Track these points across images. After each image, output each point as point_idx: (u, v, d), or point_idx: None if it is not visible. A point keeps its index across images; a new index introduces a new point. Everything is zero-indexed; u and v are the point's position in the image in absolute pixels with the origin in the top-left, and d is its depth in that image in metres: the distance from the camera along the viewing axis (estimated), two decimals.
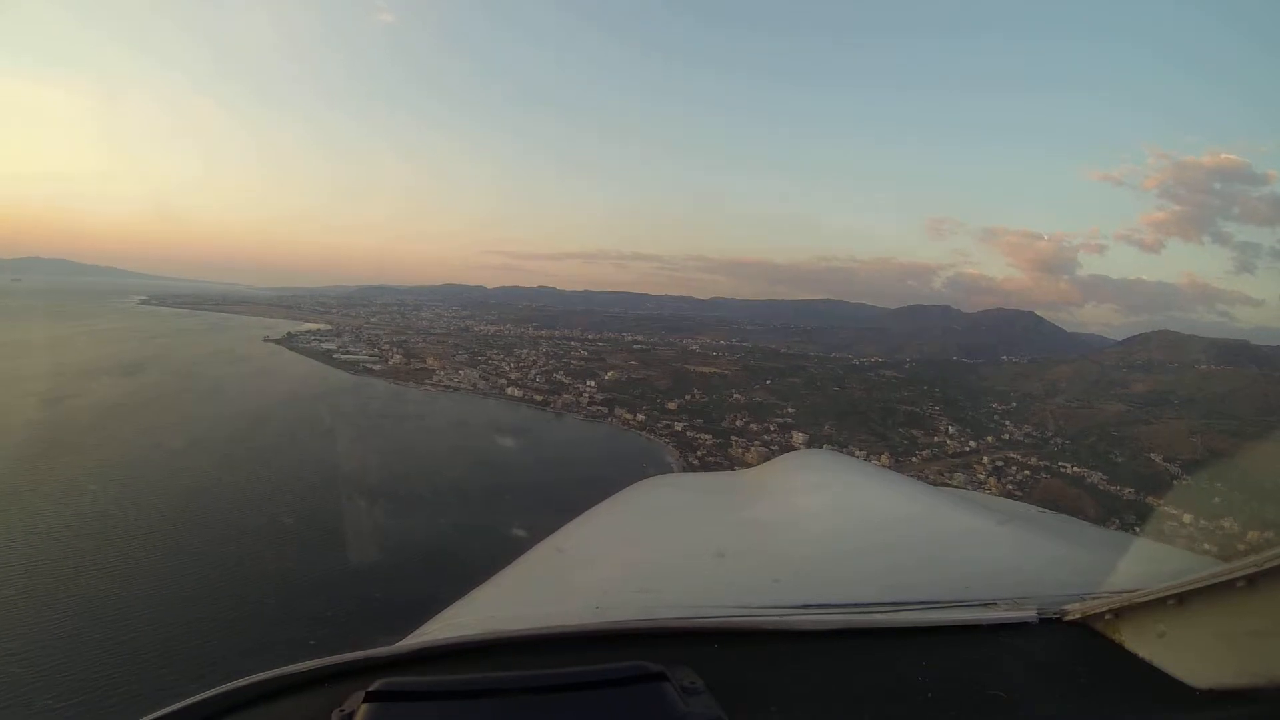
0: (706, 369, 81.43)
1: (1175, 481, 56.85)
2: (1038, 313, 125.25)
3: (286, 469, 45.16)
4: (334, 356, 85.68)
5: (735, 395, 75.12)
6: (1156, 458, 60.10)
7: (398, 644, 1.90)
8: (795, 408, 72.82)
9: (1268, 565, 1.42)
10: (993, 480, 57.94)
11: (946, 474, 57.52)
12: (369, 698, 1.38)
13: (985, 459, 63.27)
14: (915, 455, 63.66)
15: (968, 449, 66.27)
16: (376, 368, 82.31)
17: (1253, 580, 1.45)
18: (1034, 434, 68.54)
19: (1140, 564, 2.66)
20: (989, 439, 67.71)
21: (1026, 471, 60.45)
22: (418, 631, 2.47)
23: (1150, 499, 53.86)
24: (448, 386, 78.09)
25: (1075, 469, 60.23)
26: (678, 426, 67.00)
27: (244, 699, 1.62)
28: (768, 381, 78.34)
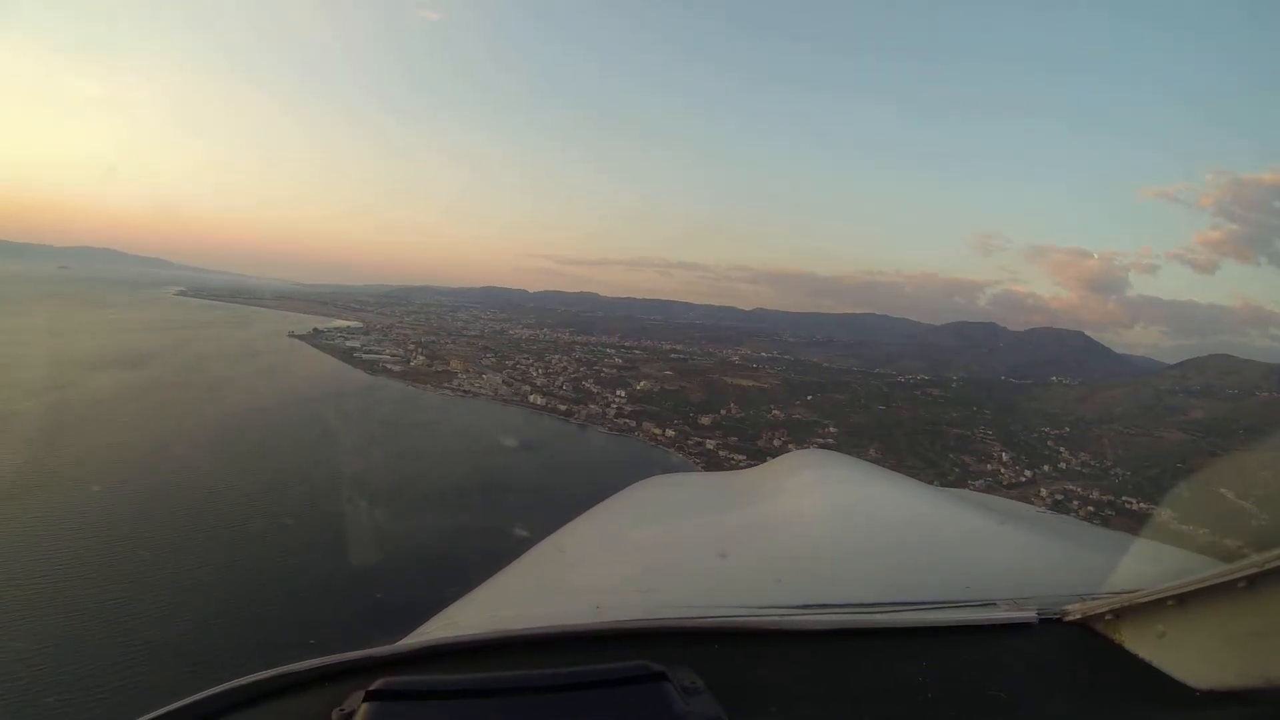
0: (745, 382, 76.11)
1: (1253, 521, 49.46)
2: (1087, 333, 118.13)
3: (244, 483, 40.69)
4: (354, 355, 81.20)
5: (774, 411, 69.48)
6: (1228, 494, 52.83)
7: (398, 643, 1.89)
8: (837, 427, 67.32)
9: (1268, 566, 1.44)
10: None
11: None
12: (369, 697, 1.38)
13: (1044, 491, 56.83)
14: (968, 485, 56.47)
15: (1023, 479, 59.80)
16: (395, 368, 77.45)
17: (1253, 581, 1.47)
18: (1092, 463, 62.07)
19: (1140, 564, 2.58)
20: (1045, 468, 61.48)
21: (1090, 507, 53.99)
22: (418, 631, 2.42)
23: (1228, 541, 46.35)
24: (467, 391, 72.93)
25: (1141, 505, 53.60)
26: (710, 444, 61.17)
27: (244, 698, 1.61)
28: (809, 397, 72.78)
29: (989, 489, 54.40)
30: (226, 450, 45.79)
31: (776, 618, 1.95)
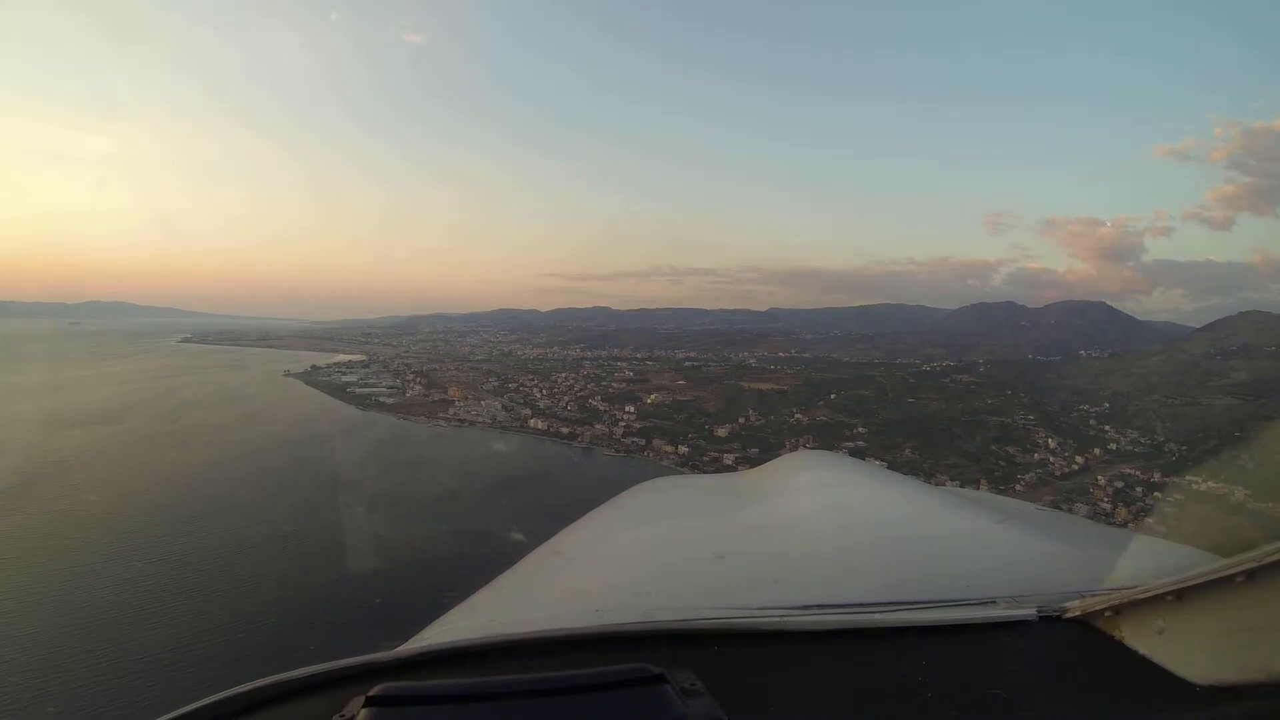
0: (763, 385, 69.80)
1: None
2: (1107, 303, 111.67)
3: (166, 571, 34.49)
4: (348, 390, 76.04)
5: (796, 415, 63.31)
6: None
7: (398, 649, 1.86)
8: (867, 426, 60.93)
9: (1267, 560, 1.39)
10: (1122, 509, 45.47)
11: (1064, 504, 43.92)
12: (369, 702, 1.36)
13: (1100, 478, 50.66)
14: (1019, 480, 51.33)
15: (1075, 466, 53.28)
16: (390, 401, 72.12)
17: (1252, 575, 1.42)
18: (1143, 440, 55.90)
19: (1140, 560, 2.50)
20: (1096, 451, 54.91)
21: (1157, 493, 47.43)
22: (418, 636, 2.35)
23: None
24: (463, 420, 67.18)
25: (1209, 484, 45.45)
26: (728, 459, 54.31)
27: (244, 705, 1.58)
28: (832, 396, 66.50)
29: (1041, 482, 50.97)
30: (164, 523, 39.70)
31: (775, 619, 1.92)
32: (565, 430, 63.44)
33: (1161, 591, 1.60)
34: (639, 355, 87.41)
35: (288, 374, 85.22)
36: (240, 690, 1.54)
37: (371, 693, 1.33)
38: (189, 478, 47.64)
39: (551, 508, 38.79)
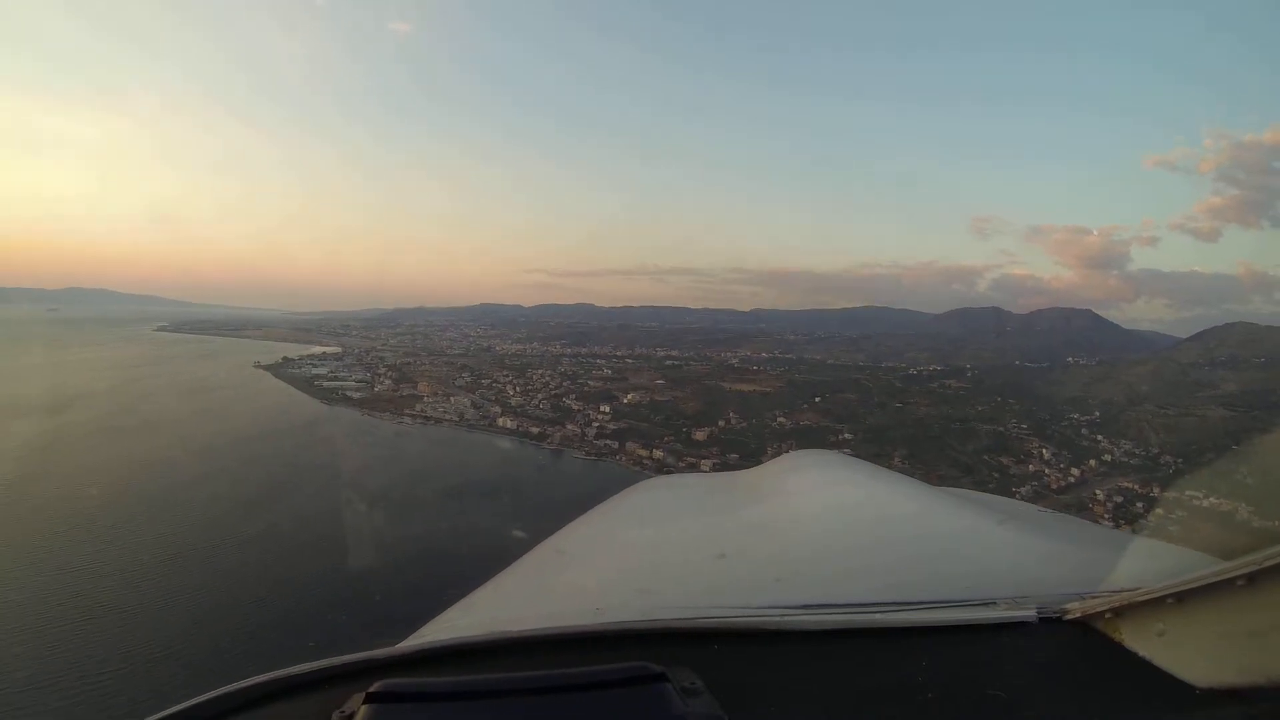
0: (745, 386, 66.64)
1: None
2: (1093, 310, 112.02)
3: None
4: (316, 384, 72.42)
5: (779, 419, 60.22)
6: None
7: (397, 645, 1.86)
8: (853, 432, 58.22)
9: (1268, 563, 1.38)
10: (1125, 526, 41.35)
11: None
12: (369, 699, 1.37)
13: (1099, 492, 48.45)
14: (1014, 494, 47.14)
15: (1072, 479, 51.07)
16: (357, 396, 68.60)
17: (1253, 579, 1.41)
18: (1137, 452, 53.98)
19: (1140, 562, 2.41)
20: (1091, 463, 52.66)
21: (1158, 509, 43.28)
22: (418, 633, 2.35)
23: None
24: (429, 418, 63.61)
25: (1211, 500, 42.08)
26: (706, 465, 50.46)
27: (244, 701, 1.58)
28: (816, 399, 63.49)
29: (1037, 495, 48.37)
30: (76, 532, 35.94)
31: (776, 618, 1.90)
32: (535, 430, 60.14)
33: (1162, 594, 1.59)
34: (619, 353, 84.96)
35: (257, 365, 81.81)
36: (240, 686, 1.53)
37: (371, 689, 1.33)
38: (111, 479, 43.49)
39: (497, 519, 35.55)
